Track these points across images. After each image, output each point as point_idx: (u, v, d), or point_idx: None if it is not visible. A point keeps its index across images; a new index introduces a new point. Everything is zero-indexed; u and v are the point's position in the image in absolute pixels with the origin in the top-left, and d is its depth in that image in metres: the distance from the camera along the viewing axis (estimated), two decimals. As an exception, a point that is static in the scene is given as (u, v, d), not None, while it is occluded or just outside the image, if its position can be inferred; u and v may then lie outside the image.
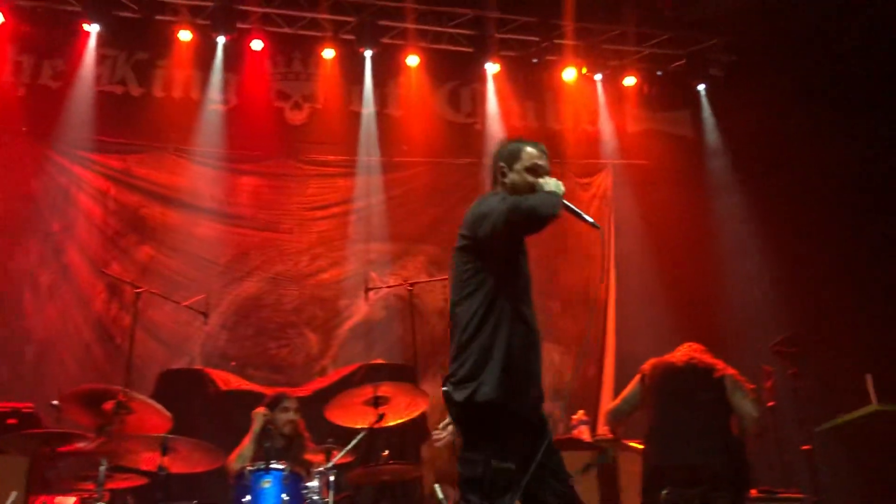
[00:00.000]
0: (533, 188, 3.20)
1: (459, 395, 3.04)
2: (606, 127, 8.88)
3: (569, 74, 8.67)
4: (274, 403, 5.12)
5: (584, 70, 8.68)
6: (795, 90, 7.84)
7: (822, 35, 7.75)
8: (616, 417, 5.19)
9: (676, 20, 8.30)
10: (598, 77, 8.80)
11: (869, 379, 6.65)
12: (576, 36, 8.46)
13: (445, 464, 7.49)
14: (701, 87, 8.88)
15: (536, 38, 8.47)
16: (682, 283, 8.17)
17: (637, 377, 5.02)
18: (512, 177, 3.29)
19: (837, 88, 7.71)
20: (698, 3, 7.79)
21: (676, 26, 8.49)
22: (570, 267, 8.46)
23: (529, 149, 3.33)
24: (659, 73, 8.92)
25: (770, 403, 5.86)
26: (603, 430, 6.53)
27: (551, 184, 3.20)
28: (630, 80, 8.83)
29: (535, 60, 8.65)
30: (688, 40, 8.63)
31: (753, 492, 5.09)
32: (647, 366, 4.96)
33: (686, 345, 5.06)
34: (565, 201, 3.18)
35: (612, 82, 8.87)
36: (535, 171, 3.28)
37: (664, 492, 4.57)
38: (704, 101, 8.87)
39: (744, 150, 8.46)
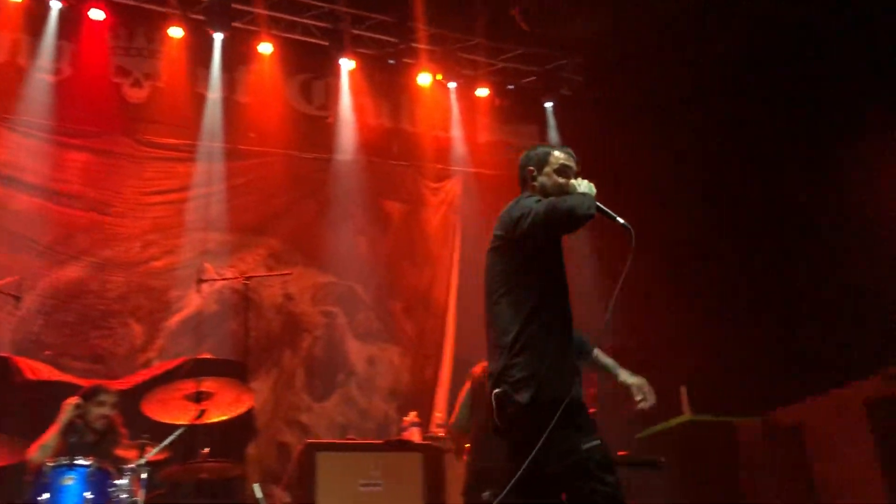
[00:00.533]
0: (563, 189, 3.31)
1: (523, 397, 3.04)
2: (458, 135, 9.00)
3: (424, 79, 8.72)
4: (90, 395, 4.78)
5: (440, 77, 8.76)
6: (636, 113, 8.27)
7: (666, 63, 8.21)
8: (458, 428, 5.19)
9: (530, 37, 8.52)
10: (452, 85, 8.90)
11: (683, 390, 7.11)
12: (431, 42, 8.50)
13: (274, 463, 7.32)
14: (549, 105, 9.18)
15: (393, 39, 8.46)
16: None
17: (467, 383, 5.06)
18: (541, 180, 3.42)
19: (672, 113, 8.20)
20: (552, 23, 8.02)
21: (530, 43, 8.72)
22: (415, 269, 8.52)
23: (557, 152, 3.46)
24: (510, 86, 9.13)
25: (591, 410, 6.09)
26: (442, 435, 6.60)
27: (583, 185, 3.28)
28: (483, 91, 9.00)
29: (391, 61, 8.64)
30: (540, 58, 8.90)
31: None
32: (476, 369, 5.00)
33: None
34: (598, 203, 3.22)
35: (466, 91, 9.00)
36: (565, 172, 3.39)
37: (486, 494, 4.63)
38: (551, 117, 9.18)
39: (585, 168, 8.81)
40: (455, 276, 8.53)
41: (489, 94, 9.06)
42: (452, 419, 5.20)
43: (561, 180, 3.36)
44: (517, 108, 9.32)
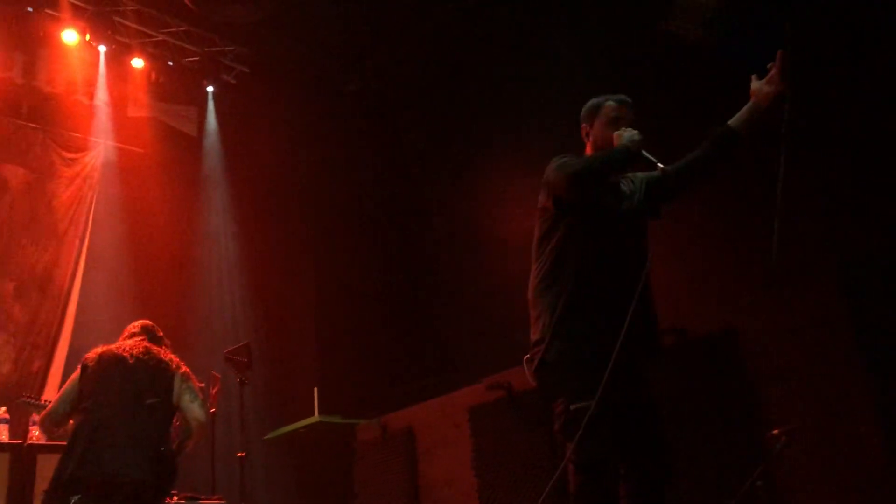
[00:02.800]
0: (612, 142, 3.08)
1: (530, 365, 3.03)
2: (104, 104, 8.20)
3: (70, 37, 7.81)
4: None
5: (88, 37, 7.92)
6: (292, 113, 8.27)
7: (329, 69, 8.32)
8: (53, 421, 4.29)
9: (196, 15, 8.07)
10: (102, 49, 8.10)
11: (315, 392, 7.19)
12: (84, -2, 7.67)
13: None
14: (210, 88, 8.79)
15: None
16: (156, 280, 7.88)
17: (78, 370, 4.38)
18: (594, 134, 3.24)
19: (331, 120, 8.34)
20: (220, 5, 7.67)
21: (196, 22, 8.25)
22: (35, 246, 7.55)
23: (610, 102, 3.25)
24: (171, 63, 8.56)
25: (212, 409, 5.87)
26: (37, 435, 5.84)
27: (625, 137, 3.03)
28: (138, 63, 8.31)
29: (29, 9, 7.61)
30: (205, 39, 8.46)
31: (175, 498, 4.99)
32: (91, 355, 4.28)
33: (139, 325, 4.64)
34: (644, 152, 2.98)
35: (119, 59, 8.24)
36: (616, 123, 3.17)
37: (74, 499, 4.13)
38: (211, 102, 8.80)
39: (239, 158, 8.61)
40: (83, 258, 7.72)
41: (145, 67, 8.39)
42: (48, 409, 4.32)
43: (612, 132, 3.15)
44: (176, 87, 8.76)
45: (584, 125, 3.34)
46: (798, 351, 4.68)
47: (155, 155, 8.44)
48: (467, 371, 6.30)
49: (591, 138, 3.29)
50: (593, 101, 3.33)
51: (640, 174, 3.29)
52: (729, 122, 3.19)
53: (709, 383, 4.68)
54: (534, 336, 3.06)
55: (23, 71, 7.85)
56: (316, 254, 7.46)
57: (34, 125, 7.77)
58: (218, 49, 8.55)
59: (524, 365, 3.12)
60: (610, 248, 3.04)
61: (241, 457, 5.98)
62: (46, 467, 5.45)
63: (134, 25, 8.09)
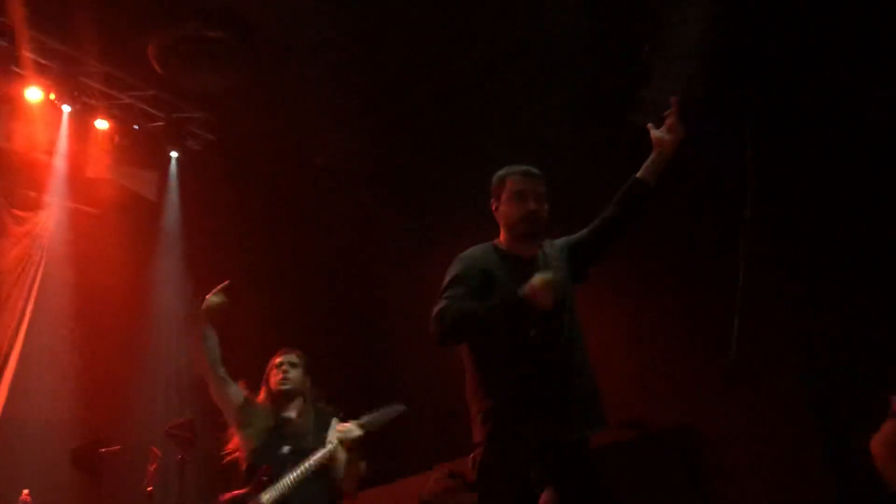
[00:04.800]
0: (515, 220, 3.03)
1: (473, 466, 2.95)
2: (63, 163, 8.03)
3: (34, 94, 7.68)
4: None
5: (52, 96, 7.81)
6: (258, 179, 8.22)
7: (293, 145, 8.34)
8: None
9: (164, 81, 8.02)
10: (66, 108, 7.98)
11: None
12: (51, 57, 7.56)
13: None
14: (174, 154, 8.69)
15: (2, 42, 7.37)
16: (103, 350, 7.59)
17: None
18: (501, 210, 3.10)
19: (298, 191, 8.30)
20: (187, 72, 7.65)
21: (163, 87, 8.20)
22: (-23, 308, 7.24)
23: (514, 176, 3.09)
24: (136, 126, 8.46)
25: (149, 488, 5.56)
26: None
27: (534, 280, 2.73)
28: (102, 124, 8.19)
29: (-7, 65, 7.50)
30: (170, 105, 8.39)
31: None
32: None
33: None
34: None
35: (83, 120, 8.11)
36: (521, 197, 3.02)
37: None
38: (174, 168, 8.68)
39: (200, 230, 8.45)
40: (26, 321, 7.39)
41: (109, 129, 8.27)
42: None
43: (519, 208, 3.02)
44: (139, 151, 8.62)
45: (492, 200, 3.16)
46: (757, 449, 4.61)
47: (111, 217, 8.24)
48: (421, 457, 6.10)
49: (499, 214, 3.14)
50: (499, 173, 3.17)
51: (558, 241, 3.16)
52: (637, 175, 3.09)
53: (665, 478, 4.57)
54: (473, 437, 2.95)
55: (-19, 125, 7.68)
56: (274, 328, 7.24)
57: (-12, 182, 7.56)
58: (184, 115, 8.48)
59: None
60: (530, 341, 2.84)
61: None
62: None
63: (100, 87, 8.00)
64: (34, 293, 7.52)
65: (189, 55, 6.91)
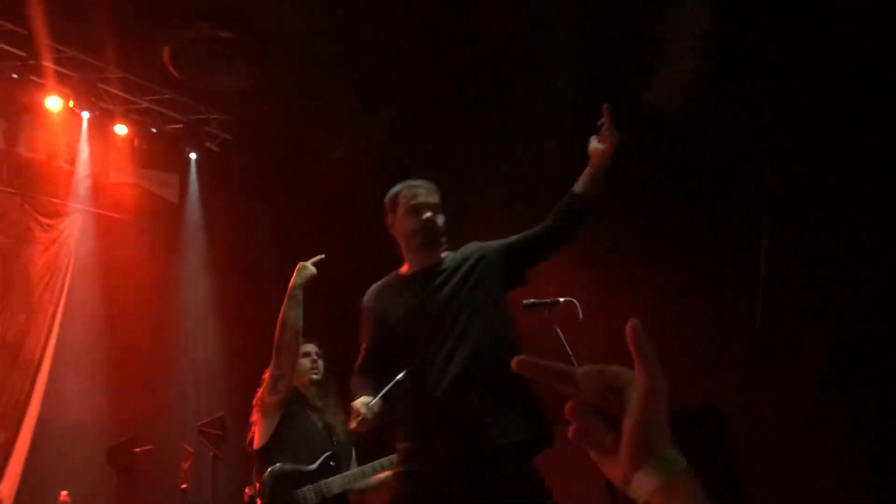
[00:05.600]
0: (413, 233, 3.00)
1: None
2: (85, 170, 8.17)
3: (53, 103, 7.82)
4: None
5: (71, 104, 7.93)
6: (271, 179, 8.29)
7: (311, 140, 8.39)
8: None
9: (180, 83, 8.12)
10: (85, 115, 8.11)
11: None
12: (67, 65, 7.68)
13: None
14: (193, 155, 8.79)
15: (22, 53, 7.50)
16: (132, 351, 7.72)
17: None
18: (397, 225, 3.08)
19: (307, 188, 8.35)
20: (203, 73, 7.73)
21: (180, 89, 8.30)
22: (6, 314, 7.37)
23: (407, 190, 3.08)
24: (154, 130, 8.57)
25: (183, 485, 5.68)
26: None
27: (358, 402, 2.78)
28: (121, 129, 8.32)
29: (14, 76, 7.63)
30: (188, 107, 8.50)
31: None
32: None
33: None
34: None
35: (102, 125, 8.24)
36: (417, 211, 3.01)
37: None
38: (194, 169, 8.79)
39: (221, 228, 8.54)
40: (57, 327, 7.56)
41: (129, 133, 8.40)
42: None
43: (413, 222, 3.01)
44: (159, 154, 8.75)
45: (388, 217, 3.14)
46: (782, 426, 4.61)
47: (135, 221, 8.37)
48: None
49: (395, 230, 3.12)
50: (391, 191, 3.16)
51: (491, 244, 3.06)
52: (573, 189, 3.01)
53: (691, 459, 4.60)
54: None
55: (3, 137, 7.82)
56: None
57: (12, 190, 7.69)
58: (202, 117, 8.58)
59: None
60: (404, 385, 2.79)
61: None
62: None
63: (118, 92, 8.12)
64: (63, 298, 7.67)
65: (203, 56, 6.98)
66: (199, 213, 8.66)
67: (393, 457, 3.65)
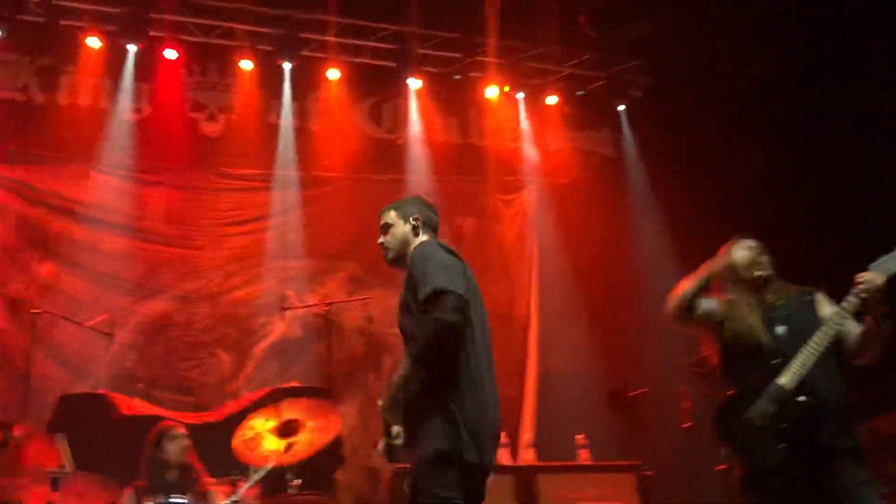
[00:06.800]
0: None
1: None
2: (528, 145, 8.89)
3: (491, 92, 8.65)
4: (159, 438, 4.76)
5: (507, 88, 8.68)
6: (705, 110, 8.04)
7: (728, 61, 7.98)
8: None
9: (597, 42, 8.35)
10: (520, 95, 8.81)
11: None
12: (498, 54, 8.41)
13: (365, 488, 7.33)
14: (621, 108, 8.99)
15: (459, 55, 8.43)
16: (602, 302, 8.24)
17: None
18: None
19: (741, 109, 7.93)
20: (618, 27, 7.86)
21: (597, 48, 8.55)
22: (492, 284, 8.38)
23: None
24: (580, 92, 8.96)
25: (686, 424, 5.88)
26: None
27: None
28: (552, 99, 8.86)
29: (457, 77, 8.60)
30: (608, 62, 8.71)
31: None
32: None
33: None
34: None
35: (535, 101, 8.88)
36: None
37: None
38: (624, 120, 8.98)
39: (661, 169, 8.59)
40: (535, 289, 8.40)
41: (558, 102, 8.91)
42: None
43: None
44: (588, 114, 9.14)
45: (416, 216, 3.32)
46: None
47: (579, 182, 8.87)
48: None
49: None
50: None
51: None
52: None
53: None
54: None
55: (458, 131, 8.87)
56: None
57: (475, 177, 8.70)
58: (621, 68, 8.72)
59: None
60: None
61: (721, 469, 5.88)
62: (545, 487, 5.98)
63: (545, 67, 8.66)
64: (535, 263, 8.49)
65: (623, 10, 7.09)
66: (636, 162, 8.84)
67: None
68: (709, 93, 8.35)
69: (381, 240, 3.35)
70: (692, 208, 8.30)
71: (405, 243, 3.26)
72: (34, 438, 4.44)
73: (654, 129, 8.76)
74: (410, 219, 3.28)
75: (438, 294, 2.86)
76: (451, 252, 3.17)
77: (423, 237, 3.26)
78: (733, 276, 3.79)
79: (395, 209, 3.33)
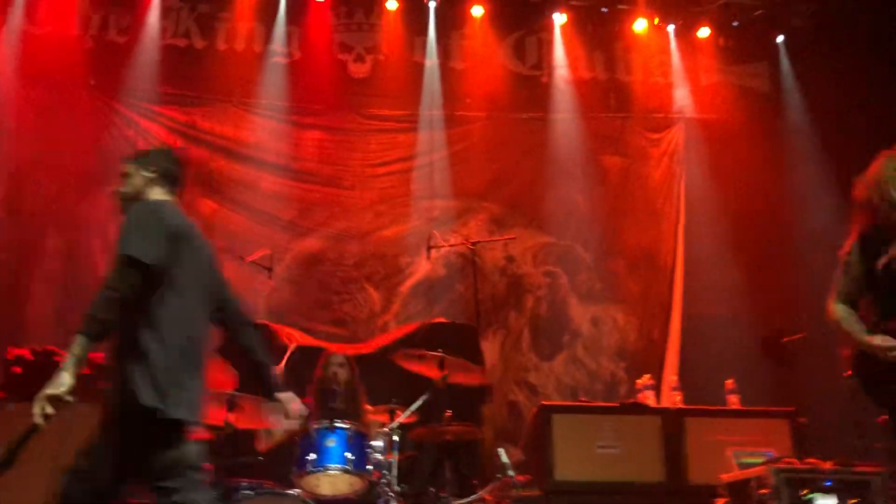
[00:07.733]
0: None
1: None
2: (678, 80, 8.54)
3: (640, 25, 8.34)
4: (328, 363, 5.07)
5: (656, 21, 8.33)
6: (875, 43, 7.41)
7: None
8: None
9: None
10: (670, 28, 8.44)
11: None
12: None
13: (505, 422, 7.50)
14: (780, 39, 8.43)
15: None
16: (753, 245, 7.90)
17: None
18: None
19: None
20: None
21: (755, -26, 8.03)
22: (636, 226, 8.24)
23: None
24: (735, 23, 8.46)
25: (847, 373, 5.61)
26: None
27: None
28: (704, 32, 8.44)
29: (604, 10, 8.33)
30: (768, -11, 8.16)
31: (830, 464, 4.91)
32: None
33: None
34: None
35: (686, 33, 8.49)
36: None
37: None
38: (783, 53, 8.43)
39: (824, 107, 8.02)
40: (682, 230, 8.16)
41: (711, 34, 8.48)
42: None
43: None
44: (743, 47, 8.64)
45: None
46: None
47: (732, 119, 8.45)
48: None
49: None
50: None
51: None
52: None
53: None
54: None
55: (605, 67, 8.61)
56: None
57: (622, 114, 8.47)
58: (783, -5, 8.15)
59: None
60: None
61: (882, 421, 5.60)
62: (693, 429, 5.93)
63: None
64: (682, 203, 8.23)
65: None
66: (797, 98, 8.31)
67: None
68: (880, 23, 7.67)
69: (116, 187, 3.31)
70: (856, 151, 7.73)
71: (136, 196, 3.20)
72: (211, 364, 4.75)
73: (816, 63, 8.16)
74: (147, 172, 3.22)
75: (125, 261, 2.86)
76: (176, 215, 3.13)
77: (156, 194, 3.21)
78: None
79: (136, 161, 3.28)
